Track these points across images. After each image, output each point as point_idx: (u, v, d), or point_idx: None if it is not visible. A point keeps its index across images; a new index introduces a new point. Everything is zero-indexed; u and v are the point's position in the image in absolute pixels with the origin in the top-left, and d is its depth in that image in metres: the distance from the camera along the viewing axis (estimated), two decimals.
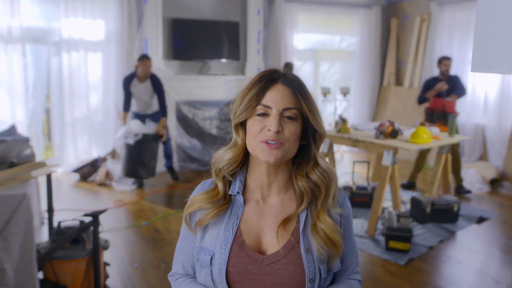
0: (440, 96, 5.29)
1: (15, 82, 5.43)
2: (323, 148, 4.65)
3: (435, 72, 6.88)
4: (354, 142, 4.34)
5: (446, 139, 4.46)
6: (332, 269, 1.16)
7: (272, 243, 1.14)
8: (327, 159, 4.69)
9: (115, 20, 5.86)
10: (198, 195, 1.18)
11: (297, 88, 1.11)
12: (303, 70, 7.32)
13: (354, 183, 4.80)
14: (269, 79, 1.11)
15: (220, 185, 1.17)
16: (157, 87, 5.31)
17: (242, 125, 1.15)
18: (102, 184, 5.43)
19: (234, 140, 1.17)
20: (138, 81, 5.25)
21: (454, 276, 3.37)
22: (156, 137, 5.25)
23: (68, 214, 4.24)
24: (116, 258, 3.49)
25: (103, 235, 3.72)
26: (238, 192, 1.17)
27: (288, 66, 6.21)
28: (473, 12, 6.30)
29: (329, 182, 1.15)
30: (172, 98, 6.12)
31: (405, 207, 4.65)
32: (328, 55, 7.56)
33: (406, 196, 5.01)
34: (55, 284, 2.73)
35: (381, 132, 4.21)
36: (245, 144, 1.14)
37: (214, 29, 6.43)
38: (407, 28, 7.46)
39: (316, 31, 7.42)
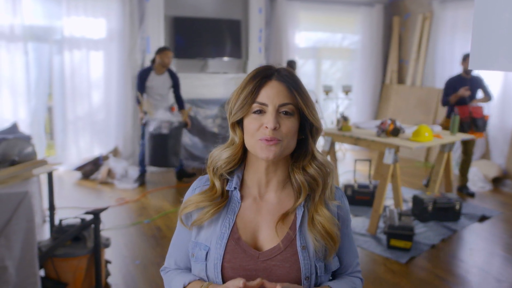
0: (464, 102, 5.02)
1: (17, 80, 5.44)
2: (324, 146, 4.64)
3: (437, 70, 6.88)
4: (356, 141, 4.33)
5: (447, 138, 4.45)
6: (329, 267, 1.16)
7: (268, 239, 1.13)
8: (328, 157, 4.69)
9: (117, 19, 5.86)
10: (194, 196, 1.18)
11: (292, 84, 1.11)
12: (305, 68, 7.31)
13: (356, 181, 4.79)
14: (263, 76, 1.11)
15: (218, 184, 1.17)
16: (175, 78, 5.34)
17: (239, 123, 1.15)
18: (104, 182, 5.44)
19: (231, 138, 1.17)
20: (156, 74, 5.21)
21: (455, 275, 3.37)
22: (183, 126, 5.27)
23: (70, 212, 4.25)
24: (118, 256, 3.50)
25: (104, 233, 3.73)
26: (235, 188, 1.17)
27: (291, 64, 6.20)
28: None
29: (326, 175, 1.16)
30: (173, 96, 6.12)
31: (407, 206, 4.65)
32: (330, 53, 7.54)
33: (408, 194, 5.00)
34: (57, 282, 2.73)
35: (382, 130, 4.20)
36: (242, 142, 1.14)
37: (216, 27, 6.43)
38: (409, 26, 7.44)
39: (318, 29, 7.41)
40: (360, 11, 7.45)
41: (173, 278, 1.21)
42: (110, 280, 3.12)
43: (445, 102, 5.17)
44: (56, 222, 3.36)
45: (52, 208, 3.32)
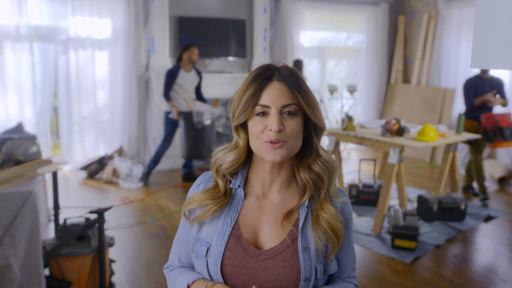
0: (489, 109, 4.83)
1: (23, 80, 5.47)
2: (329, 146, 4.63)
3: (443, 69, 6.84)
4: (360, 140, 4.32)
5: (453, 137, 4.43)
6: (328, 270, 1.15)
7: (269, 239, 1.13)
8: (333, 157, 4.67)
9: (122, 19, 5.88)
10: (198, 194, 1.18)
11: (293, 83, 1.10)
12: (309, 68, 7.29)
13: (360, 181, 4.78)
14: (263, 77, 1.10)
15: (221, 183, 1.17)
16: (201, 74, 5.41)
17: (242, 126, 1.14)
18: (109, 182, 5.46)
19: (236, 141, 1.16)
20: (185, 71, 5.24)
21: (460, 275, 3.35)
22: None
23: (75, 211, 4.27)
24: (122, 255, 3.51)
25: (108, 232, 3.74)
26: (239, 186, 1.17)
27: (297, 63, 6.18)
28: None
29: (331, 171, 1.15)
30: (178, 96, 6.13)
31: (412, 205, 4.63)
32: (334, 52, 7.53)
33: (413, 194, 4.98)
34: (61, 281, 2.75)
35: (387, 130, 4.19)
36: (247, 144, 1.14)
37: (221, 27, 6.43)
38: (414, 25, 7.41)
39: (323, 28, 7.39)
40: (365, 10, 7.42)
41: (176, 277, 1.21)
42: (114, 279, 3.13)
43: (470, 106, 4.88)
44: (61, 221, 3.38)
45: (56, 207, 3.34)
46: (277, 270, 1.10)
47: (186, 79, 5.25)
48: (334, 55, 7.55)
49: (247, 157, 1.17)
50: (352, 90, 6.71)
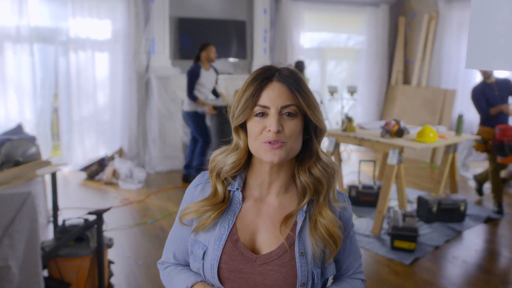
0: (506, 118, 4.63)
1: (23, 81, 5.47)
2: (329, 147, 4.63)
3: (443, 70, 6.84)
4: (360, 141, 4.31)
5: (452, 138, 4.43)
6: (325, 274, 1.14)
7: (266, 243, 1.12)
8: (332, 158, 4.67)
9: (122, 20, 5.89)
10: (194, 204, 1.15)
11: (293, 84, 1.08)
12: (310, 69, 7.29)
13: (360, 182, 4.78)
14: (263, 77, 1.09)
15: (220, 188, 1.15)
16: (217, 71, 5.45)
17: (242, 127, 1.13)
18: (109, 183, 5.46)
19: (236, 143, 1.14)
20: (205, 70, 5.27)
21: (459, 276, 3.35)
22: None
23: (75, 212, 4.27)
24: (121, 256, 3.51)
25: (108, 233, 3.74)
26: (237, 189, 1.15)
27: (299, 64, 6.18)
28: None
29: (331, 175, 1.14)
30: (178, 96, 6.14)
31: (412, 207, 4.62)
32: (335, 53, 7.53)
33: (413, 195, 4.98)
34: (60, 282, 2.75)
35: (387, 131, 4.19)
36: (247, 145, 1.12)
37: (221, 28, 6.43)
38: (415, 26, 7.41)
39: (323, 29, 7.39)
40: (366, 11, 7.43)
41: (173, 277, 1.20)
42: (113, 280, 3.13)
43: (485, 114, 4.69)
44: (60, 222, 3.38)
45: (55, 208, 3.34)
46: (273, 275, 1.09)
47: (207, 78, 5.28)
48: (334, 56, 7.55)
49: (247, 159, 1.15)
50: (352, 91, 6.70)
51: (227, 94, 6.33)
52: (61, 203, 4.32)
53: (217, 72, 5.43)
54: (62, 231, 2.81)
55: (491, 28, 0.84)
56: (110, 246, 2.95)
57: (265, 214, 1.15)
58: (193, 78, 5.18)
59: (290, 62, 6.62)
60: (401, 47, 7.59)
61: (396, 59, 7.63)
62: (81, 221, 2.90)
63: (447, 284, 3.24)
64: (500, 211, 4.52)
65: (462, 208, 4.24)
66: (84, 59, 5.83)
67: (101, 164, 5.69)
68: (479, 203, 4.86)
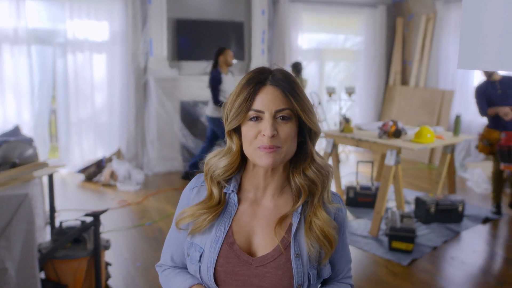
0: (509, 128, 4.34)
1: (21, 83, 5.47)
2: (326, 148, 4.63)
3: (441, 71, 6.85)
4: (358, 142, 4.32)
5: (450, 139, 4.43)
6: (321, 274, 1.15)
7: (262, 245, 1.12)
8: (330, 159, 4.67)
9: (120, 21, 5.89)
10: (190, 208, 1.15)
11: (287, 87, 1.08)
12: (308, 70, 7.29)
13: (358, 183, 4.78)
14: (256, 81, 1.08)
15: (216, 191, 1.15)
16: (233, 74, 5.47)
17: (235, 130, 1.12)
18: (106, 184, 5.46)
19: (229, 146, 1.14)
20: (225, 74, 5.28)
21: (457, 277, 3.34)
22: None
23: (73, 214, 4.27)
24: (119, 258, 3.50)
25: (106, 235, 3.74)
26: (232, 191, 1.15)
27: (296, 66, 6.17)
28: None
29: (325, 177, 1.14)
30: (177, 98, 6.14)
31: (410, 207, 4.63)
32: (333, 54, 7.53)
33: (411, 196, 4.98)
34: (57, 284, 2.74)
35: (384, 132, 4.19)
36: (240, 149, 1.12)
37: (219, 29, 6.44)
38: (413, 27, 7.42)
39: (321, 30, 7.40)
40: (363, 12, 7.43)
41: (171, 279, 1.20)
42: (110, 282, 3.12)
43: (484, 114, 4.53)
44: (57, 224, 3.37)
45: (52, 210, 3.33)
46: (270, 277, 1.09)
47: (228, 82, 5.28)
48: (332, 57, 7.56)
49: (241, 162, 1.15)
50: (350, 92, 6.71)
51: None
52: (59, 204, 4.32)
53: (233, 75, 5.46)
54: (59, 233, 2.80)
55: (482, 28, 0.85)
56: (107, 248, 2.95)
57: (261, 216, 1.15)
58: (216, 84, 5.18)
59: (285, 63, 6.62)
60: (399, 48, 7.60)
61: (394, 60, 7.64)
62: (78, 223, 2.89)
63: (445, 285, 3.24)
64: (498, 212, 4.52)
65: (460, 208, 4.25)
66: (82, 61, 5.83)
67: (99, 165, 5.69)
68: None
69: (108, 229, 3.95)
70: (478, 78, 6.36)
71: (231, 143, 1.14)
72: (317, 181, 1.13)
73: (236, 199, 1.15)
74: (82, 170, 5.70)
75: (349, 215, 4.46)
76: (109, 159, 5.83)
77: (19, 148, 2.98)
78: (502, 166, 4.35)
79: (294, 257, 1.10)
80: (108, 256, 3.33)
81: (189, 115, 6.28)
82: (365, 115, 7.64)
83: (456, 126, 4.52)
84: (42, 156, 5.15)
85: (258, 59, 6.69)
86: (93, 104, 6.01)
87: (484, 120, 4.84)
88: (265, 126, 1.06)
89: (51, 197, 3.30)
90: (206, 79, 6.28)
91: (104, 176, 5.50)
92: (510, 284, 3.23)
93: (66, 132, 5.98)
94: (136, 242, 3.89)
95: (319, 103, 6.98)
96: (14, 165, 2.90)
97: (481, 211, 4.60)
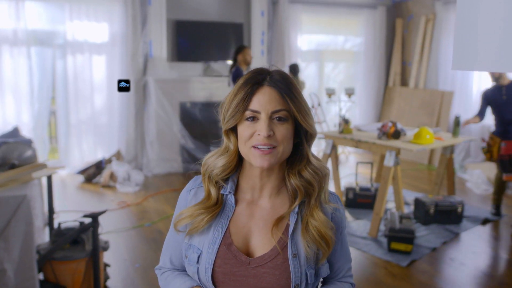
0: (508, 137, 4.24)
1: (21, 84, 5.48)
2: (326, 149, 4.63)
3: (440, 72, 6.85)
4: (357, 143, 4.32)
5: (449, 140, 4.43)
6: (319, 274, 1.15)
7: (260, 246, 1.13)
8: (329, 160, 4.67)
9: (120, 22, 5.89)
10: (188, 209, 1.16)
11: (284, 89, 1.08)
12: (307, 71, 7.30)
13: (357, 184, 4.78)
14: (254, 82, 1.09)
15: (213, 191, 1.15)
16: None
17: (233, 130, 1.13)
18: (106, 186, 5.46)
19: (226, 145, 1.15)
20: (245, 72, 5.33)
21: (457, 278, 3.34)
22: None
23: (72, 215, 4.26)
24: (118, 259, 3.50)
25: (105, 236, 3.74)
26: (230, 192, 1.16)
27: (293, 68, 6.17)
28: None
29: (322, 178, 1.15)
30: (176, 99, 6.15)
31: (410, 208, 4.62)
32: (332, 55, 7.54)
33: (410, 197, 4.98)
34: (55, 285, 2.74)
35: (383, 133, 4.19)
36: (237, 148, 1.13)
37: (218, 31, 6.44)
38: (412, 28, 7.42)
39: (320, 31, 7.40)
40: (363, 13, 7.44)
41: (170, 282, 1.20)
42: (109, 283, 3.12)
43: (481, 118, 4.51)
44: (56, 225, 3.37)
45: (51, 211, 3.33)
46: (267, 278, 1.09)
47: None
48: (332, 58, 7.56)
49: (238, 162, 1.16)
50: (350, 93, 6.72)
51: None
52: (58, 206, 4.32)
53: None
54: (57, 234, 2.80)
55: (476, 29, 0.85)
56: (105, 249, 2.94)
57: (258, 217, 1.15)
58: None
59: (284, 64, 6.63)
60: (399, 49, 7.61)
61: (394, 61, 7.64)
62: (76, 224, 2.89)
63: (444, 286, 3.23)
64: (497, 213, 4.52)
65: (459, 210, 4.24)
66: (81, 62, 5.83)
67: (99, 167, 5.69)
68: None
69: (108, 230, 3.95)
70: (477, 79, 6.36)
71: (228, 143, 1.14)
72: (313, 182, 1.13)
73: (233, 200, 1.15)
74: (82, 172, 5.70)
75: (349, 216, 4.46)
76: (109, 161, 5.83)
77: (18, 149, 2.98)
78: (504, 176, 4.28)
79: (292, 257, 1.10)
80: (107, 257, 3.33)
81: (188, 116, 6.28)
82: (365, 116, 7.64)
83: (456, 127, 4.52)
84: (41, 158, 5.16)
85: (258, 60, 6.69)
86: (93, 105, 6.01)
87: (483, 122, 4.84)
88: (261, 126, 1.06)
89: (49, 198, 3.30)
90: (206, 80, 6.30)
91: (104, 177, 5.50)
92: (510, 285, 3.22)
93: (65, 133, 5.99)
94: (135, 243, 3.89)
95: (319, 104, 6.98)
96: (13, 166, 2.90)
97: (480, 212, 4.60)
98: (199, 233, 1.14)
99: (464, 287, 3.23)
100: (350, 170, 6.23)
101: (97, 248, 2.78)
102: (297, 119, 1.10)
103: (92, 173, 5.64)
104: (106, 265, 3.10)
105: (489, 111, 4.54)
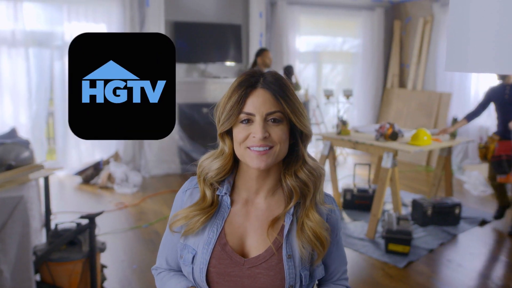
0: (507, 137, 4.13)
1: (19, 85, 5.47)
2: (323, 150, 4.63)
3: (438, 74, 6.86)
4: (354, 144, 4.32)
5: (447, 141, 4.43)
6: (314, 276, 1.15)
7: (255, 246, 1.13)
8: (327, 162, 4.68)
9: (118, 23, 5.89)
10: (183, 210, 1.16)
11: (277, 90, 1.09)
12: (305, 73, 7.31)
13: (355, 185, 4.78)
14: (248, 85, 1.09)
15: (209, 193, 1.16)
16: None
17: (228, 132, 1.13)
18: (104, 187, 5.45)
19: (221, 148, 1.15)
20: None
21: (454, 280, 3.34)
22: None
23: (70, 216, 4.26)
24: (115, 261, 3.49)
25: (102, 237, 3.73)
26: (225, 193, 1.16)
27: (288, 69, 6.16)
28: None
29: (317, 178, 1.15)
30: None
31: (407, 210, 4.63)
32: (330, 57, 7.55)
33: (408, 198, 4.98)
34: (52, 286, 2.74)
35: (381, 134, 4.19)
36: (232, 151, 1.13)
37: (217, 32, 6.44)
38: (410, 30, 7.43)
39: (319, 33, 7.41)
40: (361, 14, 7.45)
41: (165, 282, 1.21)
42: (106, 284, 3.11)
43: (469, 117, 4.42)
44: (53, 226, 3.37)
45: (48, 212, 3.33)
46: (261, 278, 1.10)
47: None
48: (330, 59, 7.57)
49: (234, 164, 1.16)
50: (348, 94, 6.71)
51: None
52: (56, 207, 4.32)
53: None
54: (54, 235, 2.80)
55: (469, 32, 0.85)
56: (102, 250, 2.94)
57: (253, 218, 1.15)
58: None
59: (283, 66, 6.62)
60: (397, 51, 7.62)
61: (392, 63, 7.65)
62: (73, 225, 2.89)
63: (440, 287, 3.23)
64: (499, 215, 4.38)
65: (457, 211, 4.25)
66: None
67: (97, 168, 5.69)
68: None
69: (105, 231, 3.94)
70: (475, 81, 6.37)
71: (223, 145, 1.15)
72: (309, 183, 1.14)
73: (228, 201, 1.16)
74: (80, 173, 5.70)
75: (346, 218, 4.46)
76: (107, 162, 5.83)
77: (15, 151, 2.98)
78: (498, 178, 4.19)
79: (286, 258, 1.10)
80: (104, 258, 3.33)
81: (186, 118, 6.28)
82: (363, 118, 7.64)
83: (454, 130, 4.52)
84: (39, 159, 5.15)
85: None
86: None
87: (481, 122, 4.84)
88: (256, 128, 1.07)
89: (46, 199, 3.29)
90: (204, 81, 6.30)
91: (102, 178, 5.50)
92: (507, 287, 3.23)
93: (63, 134, 5.97)
94: (133, 244, 3.89)
95: (317, 106, 6.98)
96: (10, 167, 2.90)
97: (478, 213, 4.60)
98: (195, 234, 1.14)
99: None
100: (348, 172, 6.24)
101: (94, 249, 2.77)
102: (292, 120, 1.10)
103: (90, 174, 5.64)
104: (103, 266, 3.09)
105: (487, 112, 4.53)
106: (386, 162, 3.94)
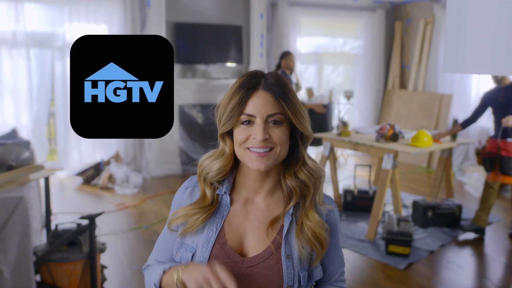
0: (504, 136, 3.98)
1: (20, 86, 5.48)
2: (324, 151, 4.63)
3: (439, 75, 6.85)
4: (355, 146, 4.32)
5: (447, 143, 4.43)
6: (312, 276, 1.15)
7: (254, 246, 1.13)
8: (328, 163, 4.68)
9: (119, 24, 5.90)
10: (183, 208, 1.16)
11: (278, 92, 1.09)
12: (306, 74, 7.30)
13: (356, 187, 4.78)
14: (249, 86, 1.10)
15: (209, 192, 1.16)
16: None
17: (228, 133, 1.14)
18: (104, 188, 5.46)
19: (222, 148, 1.16)
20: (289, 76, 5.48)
21: (454, 281, 3.34)
22: None
23: (70, 217, 4.26)
24: (115, 261, 3.50)
25: (102, 238, 3.73)
26: (225, 192, 1.16)
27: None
28: None
29: (317, 179, 1.15)
30: (175, 102, 6.15)
31: (408, 211, 4.62)
32: (331, 58, 7.55)
33: (409, 200, 4.97)
34: (52, 287, 2.74)
35: (381, 136, 4.19)
36: (233, 151, 1.14)
37: (217, 33, 6.45)
38: (411, 31, 7.43)
39: (319, 34, 7.41)
40: (362, 16, 7.45)
41: (153, 270, 1.19)
42: (106, 285, 3.11)
43: (465, 124, 4.33)
44: (53, 227, 3.37)
45: (48, 213, 3.34)
46: (260, 278, 1.10)
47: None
48: (331, 60, 7.57)
49: (234, 164, 1.17)
50: (349, 95, 6.70)
51: None
52: (57, 207, 4.32)
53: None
54: (54, 235, 2.80)
55: (466, 33, 0.85)
56: (102, 250, 2.94)
57: (253, 217, 1.16)
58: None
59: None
60: (398, 52, 7.62)
61: (393, 64, 7.65)
62: (74, 225, 2.89)
63: None
64: (477, 230, 4.10)
65: (457, 213, 4.24)
66: None
67: (97, 168, 5.69)
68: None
69: (105, 232, 3.94)
70: (476, 82, 6.37)
71: (224, 146, 1.15)
72: (309, 183, 1.14)
73: (228, 200, 1.16)
74: (80, 173, 5.71)
75: (347, 219, 4.46)
76: (107, 162, 5.83)
77: (15, 151, 2.99)
78: (486, 176, 4.06)
79: (285, 258, 1.11)
80: (104, 259, 3.33)
81: (187, 119, 6.28)
82: (364, 119, 7.64)
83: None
84: (40, 159, 5.16)
85: (257, 63, 6.70)
86: None
87: (481, 124, 4.83)
88: (257, 130, 1.07)
89: (47, 200, 3.30)
90: (205, 82, 6.30)
91: (102, 179, 5.50)
92: None
93: (64, 135, 5.98)
94: (133, 245, 3.89)
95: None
96: (10, 168, 2.90)
97: None
98: (194, 232, 1.15)
99: None
100: (348, 173, 6.23)
101: (94, 250, 2.78)
102: (292, 122, 1.11)
103: (91, 175, 5.64)
104: (103, 267, 3.09)
105: (488, 113, 4.50)
106: (387, 163, 3.94)
